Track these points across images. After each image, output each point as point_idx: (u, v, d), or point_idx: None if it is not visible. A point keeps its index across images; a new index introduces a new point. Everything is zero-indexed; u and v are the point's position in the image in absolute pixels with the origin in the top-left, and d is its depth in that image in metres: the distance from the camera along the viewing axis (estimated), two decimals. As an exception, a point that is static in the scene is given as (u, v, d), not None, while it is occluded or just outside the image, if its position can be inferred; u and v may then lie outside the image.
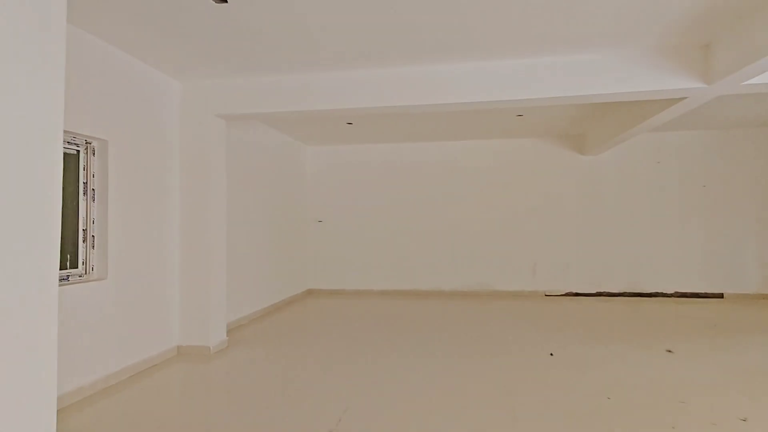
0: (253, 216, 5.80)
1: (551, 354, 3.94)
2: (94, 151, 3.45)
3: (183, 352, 4.20)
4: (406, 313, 6.03)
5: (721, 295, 6.68)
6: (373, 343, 4.47)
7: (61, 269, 3.19)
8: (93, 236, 3.42)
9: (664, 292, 6.84)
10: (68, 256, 3.27)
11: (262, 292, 6.01)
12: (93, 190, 3.44)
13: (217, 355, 4.19)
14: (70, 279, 3.23)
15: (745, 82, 3.41)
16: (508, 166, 7.31)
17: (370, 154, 7.68)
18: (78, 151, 3.37)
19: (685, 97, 3.78)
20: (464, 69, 3.89)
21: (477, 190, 7.37)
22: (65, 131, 3.15)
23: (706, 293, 6.73)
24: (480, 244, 7.33)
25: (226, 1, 2.80)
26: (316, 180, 7.81)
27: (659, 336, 4.56)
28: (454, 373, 3.59)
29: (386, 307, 6.52)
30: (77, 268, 3.32)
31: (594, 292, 7.03)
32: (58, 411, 2.56)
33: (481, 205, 7.35)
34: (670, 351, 3.98)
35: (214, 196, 4.30)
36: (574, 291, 7.08)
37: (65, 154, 3.27)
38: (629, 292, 6.93)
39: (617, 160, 7.03)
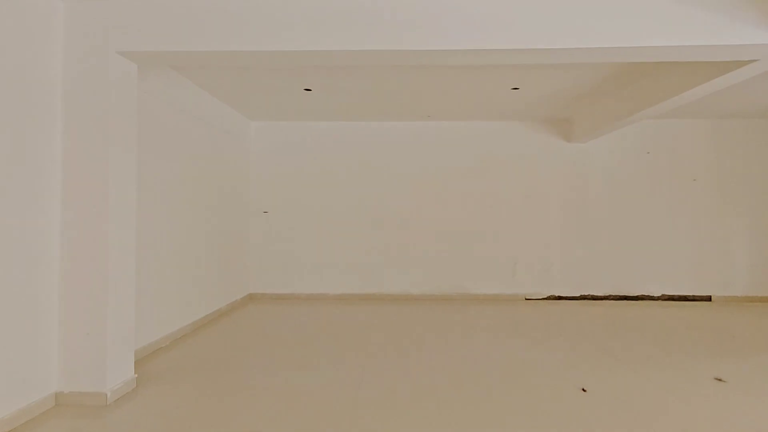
0: (178, 204, 4.45)
1: (583, 390, 3.02)
2: None
3: (64, 402, 2.84)
4: (369, 323, 4.94)
5: (709, 298, 6.21)
6: (335, 370, 3.34)
7: None
8: None
9: (651, 294, 6.27)
10: None
11: (189, 301, 4.67)
12: None
13: (117, 403, 2.87)
14: None
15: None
16: (486, 152, 6.41)
17: (329, 133, 6.48)
18: None
19: (755, 60, 2.98)
20: (475, 2, 2.84)
21: (451, 179, 6.41)
22: None
23: (694, 296, 6.23)
24: (453, 241, 6.39)
25: None
26: (262, 162, 6.49)
27: (690, 354, 3.81)
28: (463, 426, 2.56)
29: (345, 315, 5.40)
30: None
31: (578, 295, 6.33)
32: None
33: (456, 196, 6.41)
34: (720, 380, 3.21)
35: (117, 173, 2.95)
36: (557, 294, 6.34)
37: None
38: (615, 295, 6.30)
39: (605, 149, 6.35)
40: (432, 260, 6.39)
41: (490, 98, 5.13)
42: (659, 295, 6.26)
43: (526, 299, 6.33)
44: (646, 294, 6.27)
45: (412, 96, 5.06)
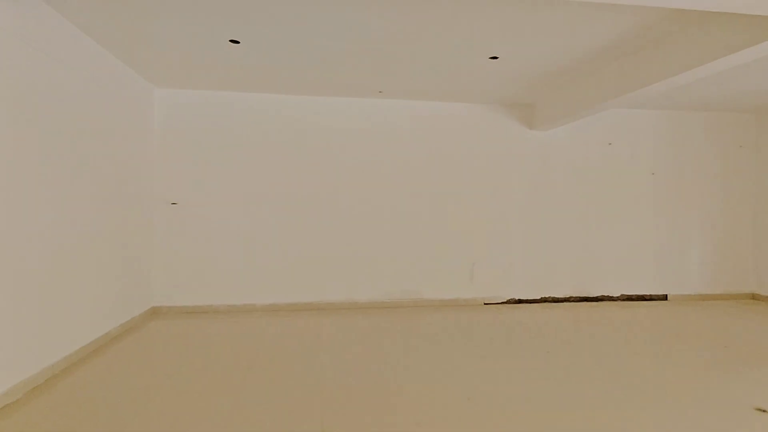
0: (45, 192, 3.08)
1: (625, 441, 2.30)
2: None
3: None
4: (312, 342, 3.93)
5: (665, 297, 5.99)
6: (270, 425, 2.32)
7: None
8: None
9: (611, 295, 5.91)
10: None
11: (63, 326, 3.32)
12: None
13: None
14: None
15: None
16: (444, 138, 5.63)
17: (258, 107, 5.28)
18: None
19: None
20: None
21: (402, 169, 5.54)
22: None
23: (651, 295, 5.97)
24: (404, 240, 5.53)
25: None
26: (171, 141, 5.13)
27: (701, 373, 3.27)
28: None
29: (279, 332, 4.32)
30: None
31: (538, 297, 5.79)
32: None
33: (408, 188, 5.55)
34: (763, 410, 2.66)
35: None
36: (517, 297, 5.76)
37: None
38: (575, 297, 5.86)
39: (567, 139, 5.86)
40: (381, 262, 5.49)
41: (461, 70, 4.31)
42: (618, 295, 5.92)
43: (485, 304, 5.67)
44: (606, 294, 5.90)
45: (366, 61, 4.09)
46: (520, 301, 5.75)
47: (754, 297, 6.06)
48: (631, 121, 5.94)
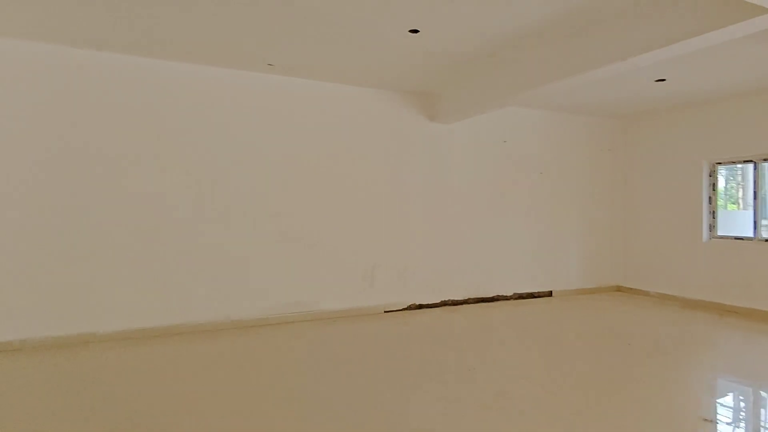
0: None
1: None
2: None
3: None
4: (171, 378, 2.92)
5: (550, 293, 6.16)
6: None
7: None
8: None
9: (505, 294, 5.87)
10: None
11: None
12: None
13: None
14: None
15: None
16: (339, 126, 4.93)
17: (109, 70, 3.93)
18: None
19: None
20: None
21: (289, 159, 4.70)
22: None
23: (539, 292, 6.08)
24: (290, 243, 4.71)
25: None
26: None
27: (629, 378, 3.12)
28: None
29: (135, 371, 3.19)
30: None
31: (438, 301, 5.46)
32: None
33: (294, 183, 4.73)
34: (709, 420, 2.53)
35: None
36: (418, 302, 5.34)
37: None
38: (473, 298, 5.67)
39: (465, 134, 5.62)
40: (264, 269, 4.57)
41: (373, 43, 3.65)
42: (511, 294, 5.91)
43: (386, 311, 5.14)
44: (501, 294, 5.84)
45: (251, 18, 3.19)
46: (420, 306, 5.34)
47: (618, 289, 6.60)
48: (523, 120, 5.95)
